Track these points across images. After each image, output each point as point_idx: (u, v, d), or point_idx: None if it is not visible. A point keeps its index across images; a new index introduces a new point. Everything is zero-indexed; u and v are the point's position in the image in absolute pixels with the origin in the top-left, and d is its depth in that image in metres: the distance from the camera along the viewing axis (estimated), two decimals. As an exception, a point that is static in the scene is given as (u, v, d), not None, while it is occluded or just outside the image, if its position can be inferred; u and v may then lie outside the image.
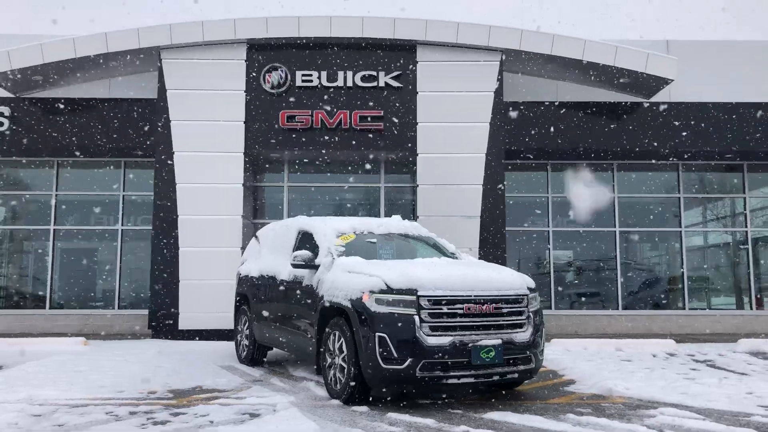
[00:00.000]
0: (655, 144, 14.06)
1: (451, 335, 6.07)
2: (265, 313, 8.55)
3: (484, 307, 6.22)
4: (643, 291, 15.40)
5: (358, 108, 13.19)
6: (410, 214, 14.17)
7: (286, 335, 7.97)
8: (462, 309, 6.15)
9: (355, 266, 6.73)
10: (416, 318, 6.03)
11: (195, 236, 12.80)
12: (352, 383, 6.24)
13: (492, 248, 12.94)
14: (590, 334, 14.09)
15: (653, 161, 14.95)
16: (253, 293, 9.00)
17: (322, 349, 6.85)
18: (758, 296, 15.29)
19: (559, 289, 15.12)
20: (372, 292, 6.18)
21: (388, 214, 14.29)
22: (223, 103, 13.09)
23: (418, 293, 6.10)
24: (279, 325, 8.14)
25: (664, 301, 15.35)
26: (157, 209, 13.06)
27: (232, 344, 11.03)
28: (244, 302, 9.38)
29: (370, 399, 6.38)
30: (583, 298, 15.27)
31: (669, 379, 7.75)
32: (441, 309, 6.11)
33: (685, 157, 14.70)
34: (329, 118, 13.14)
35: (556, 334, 13.72)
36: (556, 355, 9.69)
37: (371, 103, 13.22)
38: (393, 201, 14.68)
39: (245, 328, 9.25)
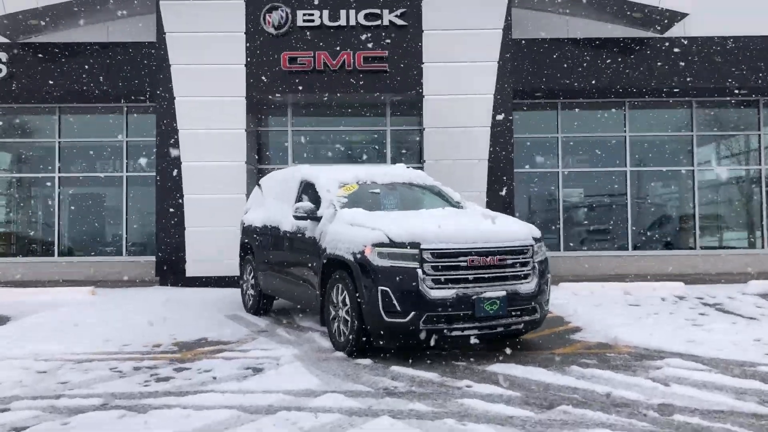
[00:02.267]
0: (669, 80, 13.69)
1: (455, 288, 5.98)
2: (270, 264, 8.50)
3: (488, 259, 6.11)
4: (654, 231, 15.26)
5: (361, 49, 12.83)
6: (417, 157, 13.98)
7: (290, 286, 7.93)
8: (465, 261, 6.03)
9: (358, 219, 6.61)
10: (419, 271, 5.94)
11: (199, 183, 12.69)
12: (356, 336, 6.21)
13: (500, 191, 12.76)
14: (600, 274, 14.05)
15: (666, 99, 14.59)
16: (257, 243, 8.93)
17: (325, 302, 6.80)
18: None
19: (569, 230, 15.00)
20: (374, 245, 6.07)
21: (394, 158, 14.12)
22: (224, 45, 12.76)
23: (421, 246, 5.98)
24: (283, 276, 8.09)
25: (675, 241, 15.22)
26: (160, 157, 12.93)
27: (239, 291, 11.06)
28: (249, 252, 9.32)
29: (374, 351, 6.37)
30: (593, 239, 15.16)
31: (676, 324, 7.69)
32: (444, 262, 6.00)
33: (699, 93, 14.32)
34: (332, 59, 12.80)
35: (565, 275, 13.70)
36: (563, 300, 9.65)
37: (375, 43, 12.85)
38: (400, 144, 14.45)
39: (250, 277, 9.23)
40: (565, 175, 14.91)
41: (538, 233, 6.69)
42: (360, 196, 7.46)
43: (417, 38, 12.85)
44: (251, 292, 9.19)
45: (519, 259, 6.31)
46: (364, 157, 14.51)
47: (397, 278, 5.94)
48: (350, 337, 6.28)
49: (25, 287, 12.64)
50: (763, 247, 15.08)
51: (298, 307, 8.49)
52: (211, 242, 12.57)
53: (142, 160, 14.63)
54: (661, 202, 15.71)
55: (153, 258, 13.71)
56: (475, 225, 6.41)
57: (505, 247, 6.23)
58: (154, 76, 13.15)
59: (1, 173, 15.24)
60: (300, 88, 12.95)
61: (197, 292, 11.60)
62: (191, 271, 12.70)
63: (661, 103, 14.88)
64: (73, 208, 15.01)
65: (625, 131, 14.80)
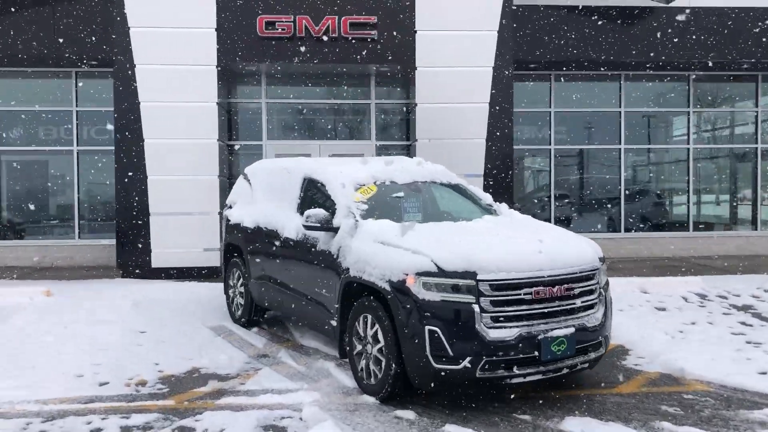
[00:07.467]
0: (670, 52, 12.83)
1: (518, 326, 4.93)
2: (267, 273, 7.28)
3: (554, 290, 5.08)
4: (646, 211, 14.57)
5: (348, 13, 11.48)
6: (404, 134, 12.86)
7: (296, 303, 6.76)
8: (530, 294, 4.99)
9: (389, 236, 5.46)
10: (475, 307, 4.86)
11: (165, 163, 11.27)
12: (392, 381, 5.12)
13: (499, 174, 11.75)
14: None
15: (665, 71, 13.79)
16: (248, 247, 7.67)
17: (348, 332, 5.68)
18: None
19: (561, 209, 14.18)
20: (419, 274, 4.95)
21: (378, 135, 12.94)
22: (192, 6, 11.21)
23: (478, 277, 4.90)
24: (286, 290, 6.89)
25: (667, 222, 14.58)
26: (119, 132, 11.39)
27: (214, 287, 10.02)
28: (237, 255, 8.07)
29: (412, 396, 5.32)
30: (585, 219, 14.37)
31: (727, 342, 6.89)
32: (505, 295, 4.95)
33: (699, 67, 13.54)
34: (315, 24, 11.42)
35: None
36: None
37: (363, 8, 11.51)
38: (385, 119, 13.20)
39: (239, 284, 8.00)
40: (557, 152, 14.02)
41: (601, 252, 5.69)
42: (380, 200, 6.30)
43: (410, 3, 11.55)
44: (240, 301, 7.97)
45: (586, 286, 5.30)
46: (347, 133, 13.21)
47: (449, 316, 4.87)
48: (385, 381, 5.19)
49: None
50: (755, 228, 14.61)
51: (300, 324, 7.30)
52: (179, 229, 11.25)
53: (96, 132, 13.05)
54: (654, 181, 14.99)
55: (109, 241, 12.33)
56: (536, 246, 5.31)
57: (573, 273, 5.20)
58: (110, 40, 11.52)
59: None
60: (277, 56, 11.57)
61: (167, 288, 10.27)
62: (157, 261, 11.35)
63: (658, 77, 14.07)
64: (18, 184, 13.34)
65: (620, 106, 13.96)
